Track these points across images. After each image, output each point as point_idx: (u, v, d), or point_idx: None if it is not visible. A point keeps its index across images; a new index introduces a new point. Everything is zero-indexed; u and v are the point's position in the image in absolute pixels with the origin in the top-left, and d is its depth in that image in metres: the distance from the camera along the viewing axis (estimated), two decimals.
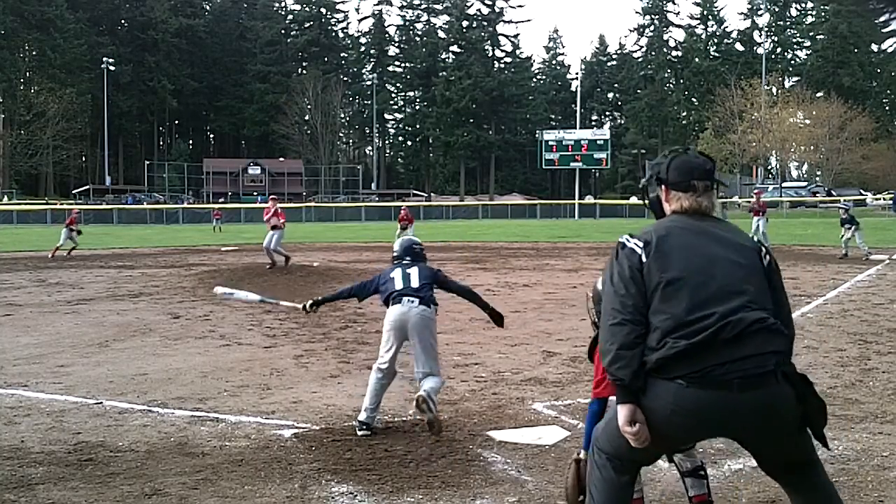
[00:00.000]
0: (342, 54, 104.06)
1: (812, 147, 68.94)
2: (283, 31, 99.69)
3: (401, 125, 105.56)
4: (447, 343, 8.37)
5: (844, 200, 30.49)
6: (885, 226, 31.91)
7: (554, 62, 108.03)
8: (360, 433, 5.09)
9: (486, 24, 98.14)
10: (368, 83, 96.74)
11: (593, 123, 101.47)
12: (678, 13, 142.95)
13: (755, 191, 23.94)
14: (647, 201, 3.14)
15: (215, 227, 38.84)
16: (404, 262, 5.65)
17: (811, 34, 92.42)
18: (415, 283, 5.44)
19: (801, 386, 2.72)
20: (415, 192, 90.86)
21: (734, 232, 2.92)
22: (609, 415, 2.92)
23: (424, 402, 4.96)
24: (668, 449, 3.16)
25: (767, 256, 2.96)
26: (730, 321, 2.60)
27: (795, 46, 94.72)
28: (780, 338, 2.71)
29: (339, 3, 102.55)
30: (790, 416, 2.74)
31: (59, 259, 21.26)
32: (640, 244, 2.77)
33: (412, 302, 5.35)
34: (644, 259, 2.73)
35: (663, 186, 2.97)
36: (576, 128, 78.56)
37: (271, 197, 21.53)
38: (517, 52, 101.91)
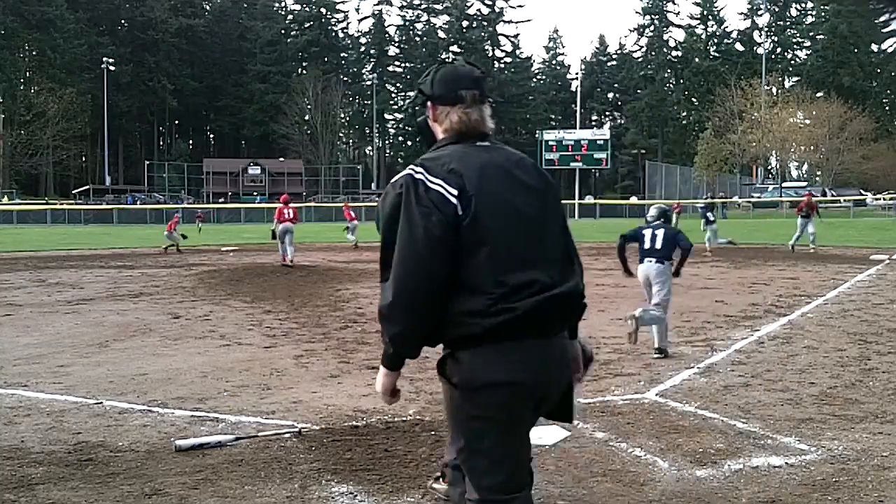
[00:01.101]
0: (342, 54, 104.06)
1: (812, 147, 68.92)
2: (283, 31, 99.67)
3: (401, 125, 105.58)
4: None
5: (705, 201, 31.61)
6: (885, 226, 31.92)
7: (554, 62, 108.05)
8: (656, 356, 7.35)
9: (486, 24, 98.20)
10: (368, 83, 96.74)
11: (593, 123, 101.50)
12: (678, 13, 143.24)
13: (805, 192, 23.89)
14: (417, 127, 2.79)
15: (199, 227, 38.16)
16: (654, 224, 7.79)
17: (811, 34, 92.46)
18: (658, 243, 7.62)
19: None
20: None
21: (525, 170, 2.59)
22: None
23: (633, 318, 7.10)
24: None
25: (555, 187, 2.69)
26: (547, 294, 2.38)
27: (795, 46, 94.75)
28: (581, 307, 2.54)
29: (339, 3, 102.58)
30: None
31: (170, 253, 23.55)
32: (454, 191, 2.35)
33: (650, 261, 7.61)
34: (460, 213, 2.34)
35: (430, 104, 2.61)
36: (576, 128, 78.65)
37: (284, 196, 20.90)
38: (517, 52, 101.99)
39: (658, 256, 7.57)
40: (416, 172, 2.41)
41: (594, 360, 2.79)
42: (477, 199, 2.35)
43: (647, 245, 7.67)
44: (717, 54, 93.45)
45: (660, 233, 7.65)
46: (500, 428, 2.40)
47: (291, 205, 19.64)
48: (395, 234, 2.35)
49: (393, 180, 2.48)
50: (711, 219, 22.05)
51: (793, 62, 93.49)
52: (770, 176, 77.51)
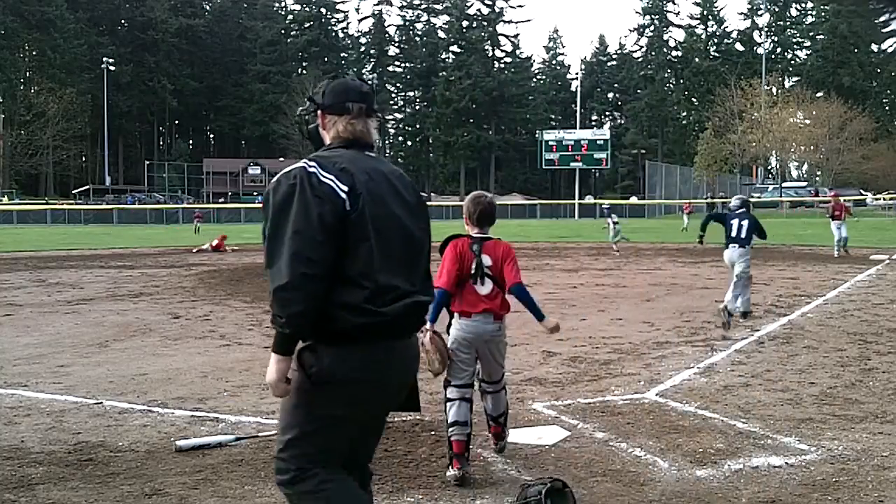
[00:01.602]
0: (342, 54, 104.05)
1: (812, 147, 68.91)
2: (283, 31, 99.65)
3: (401, 125, 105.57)
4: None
5: (609, 201, 32.65)
6: (885, 226, 31.92)
7: (554, 62, 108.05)
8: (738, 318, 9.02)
9: (486, 24, 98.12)
10: (368, 83, 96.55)
11: (593, 123, 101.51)
12: (678, 13, 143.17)
13: (832, 192, 23.83)
14: (307, 134, 2.88)
15: (197, 228, 37.41)
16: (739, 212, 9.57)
17: (811, 34, 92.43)
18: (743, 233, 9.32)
19: None
20: None
21: (403, 184, 2.73)
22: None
23: (725, 310, 8.75)
24: None
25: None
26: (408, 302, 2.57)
27: (795, 46, 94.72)
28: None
29: (339, 3, 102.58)
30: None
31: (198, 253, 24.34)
32: (344, 188, 2.49)
33: (734, 246, 9.34)
34: (348, 208, 2.48)
35: (320, 112, 2.76)
36: (576, 128, 78.65)
37: None
38: (517, 52, 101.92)
39: (741, 242, 9.40)
40: (310, 166, 2.52)
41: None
42: (364, 199, 2.51)
43: (733, 233, 9.41)
44: (717, 54, 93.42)
45: (745, 223, 9.40)
46: (344, 423, 2.56)
47: None
48: (286, 222, 2.44)
49: (285, 171, 2.56)
50: (615, 220, 23.89)
51: (793, 62, 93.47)
52: (770, 176, 77.50)
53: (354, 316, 2.45)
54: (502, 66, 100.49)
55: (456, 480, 4.20)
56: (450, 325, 4.44)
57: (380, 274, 2.50)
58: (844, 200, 23.90)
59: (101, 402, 5.94)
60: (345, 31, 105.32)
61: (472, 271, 4.38)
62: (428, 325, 4.19)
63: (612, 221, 23.67)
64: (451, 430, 4.35)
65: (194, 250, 25.27)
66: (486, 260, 4.41)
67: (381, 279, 2.50)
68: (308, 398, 2.52)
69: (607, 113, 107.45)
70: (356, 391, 2.52)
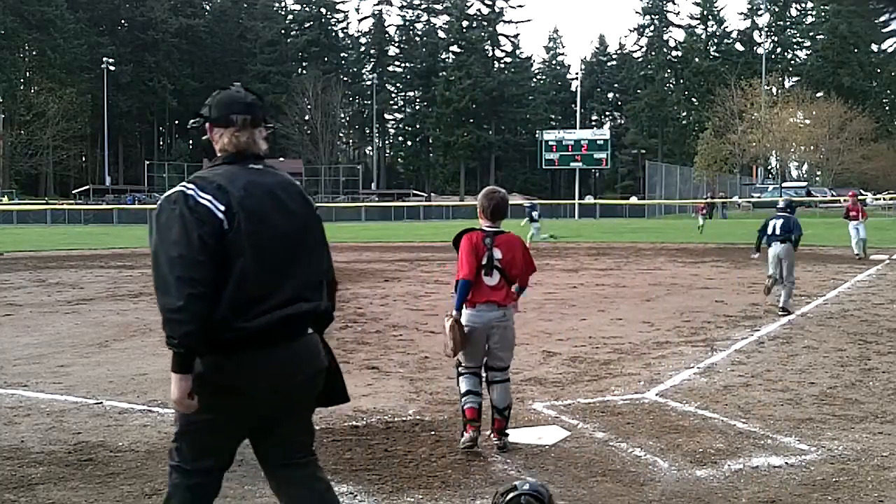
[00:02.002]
0: (342, 54, 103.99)
1: (812, 147, 68.89)
2: (283, 31, 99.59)
3: (401, 125, 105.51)
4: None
5: (531, 200, 33.30)
6: (886, 226, 31.89)
7: (554, 62, 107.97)
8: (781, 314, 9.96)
9: (486, 24, 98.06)
10: (368, 83, 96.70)
11: (593, 123, 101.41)
12: (678, 13, 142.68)
13: (850, 192, 23.73)
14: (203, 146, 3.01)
15: None
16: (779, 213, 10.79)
17: (811, 34, 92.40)
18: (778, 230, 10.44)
19: None
20: (415, 192, 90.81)
21: (292, 194, 2.81)
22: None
23: (771, 276, 10.41)
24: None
25: (316, 210, 2.95)
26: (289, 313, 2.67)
27: (795, 46, 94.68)
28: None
29: (339, 3, 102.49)
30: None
31: None
32: (221, 207, 2.59)
33: (776, 243, 10.42)
34: (226, 227, 2.58)
35: (208, 125, 2.86)
36: (576, 128, 78.52)
37: None
38: (517, 52, 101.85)
39: (780, 239, 10.44)
40: (188, 189, 2.63)
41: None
42: (240, 217, 2.59)
43: (769, 231, 10.60)
44: (717, 54, 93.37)
45: (779, 222, 10.52)
46: (223, 425, 2.70)
47: None
48: (170, 245, 2.55)
49: (166, 195, 2.69)
50: (536, 217, 24.67)
51: (793, 62, 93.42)
52: (770, 176, 77.40)
53: (223, 330, 2.56)
54: (502, 66, 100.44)
55: (470, 441, 4.64)
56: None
57: (251, 289, 2.59)
58: (844, 200, 23.85)
59: (101, 402, 5.94)
60: (345, 31, 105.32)
61: (484, 263, 4.69)
62: (453, 313, 4.70)
63: (532, 219, 24.07)
64: (464, 398, 4.74)
65: None
66: (497, 253, 4.73)
67: (252, 293, 2.60)
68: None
69: (607, 113, 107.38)
70: (231, 397, 2.63)
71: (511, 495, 3.57)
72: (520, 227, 22.27)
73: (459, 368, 4.85)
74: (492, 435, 4.81)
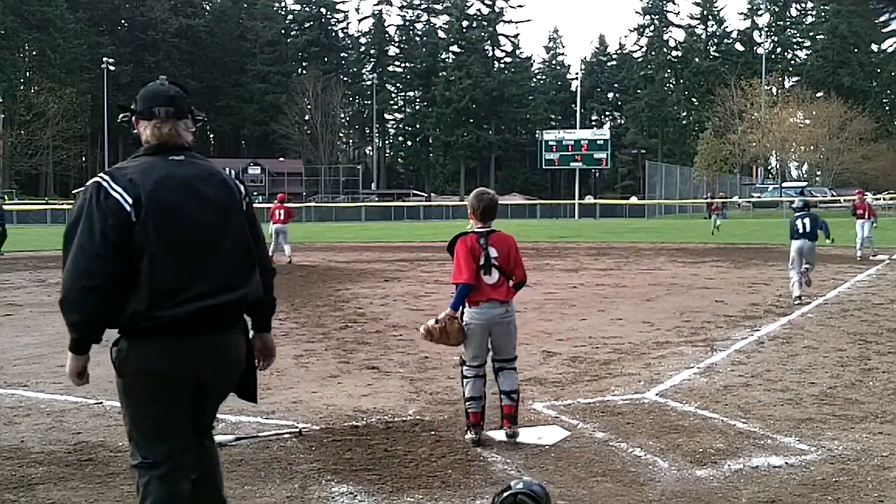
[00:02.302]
0: (342, 54, 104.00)
1: (812, 147, 68.88)
2: (283, 31, 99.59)
3: (401, 125, 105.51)
4: None
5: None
6: (886, 226, 31.89)
7: (554, 62, 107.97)
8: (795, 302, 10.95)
9: (486, 24, 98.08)
10: (368, 83, 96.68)
11: (593, 123, 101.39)
12: (678, 13, 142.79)
13: (857, 191, 23.81)
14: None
15: None
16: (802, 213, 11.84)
17: (811, 34, 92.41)
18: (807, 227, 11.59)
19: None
20: (415, 192, 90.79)
21: (214, 184, 2.89)
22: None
23: (798, 299, 11.14)
24: None
25: (246, 198, 3.02)
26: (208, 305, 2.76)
27: (795, 46, 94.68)
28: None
29: (339, 3, 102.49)
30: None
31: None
32: (130, 200, 2.69)
33: (804, 240, 11.56)
34: (133, 219, 2.68)
35: (135, 118, 2.94)
36: (576, 128, 78.50)
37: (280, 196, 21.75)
38: (517, 52, 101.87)
39: (809, 237, 11.58)
40: (103, 180, 2.74)
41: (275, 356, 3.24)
42: (149, 209, 2.69)
43: (799, 230, 11.64)
44: (717, 54, 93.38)
45: (807, 221, 11.68)
46: (155, 407, 2.80)
47: (286, 204, 20.28)
48: (76, 235, 2.69)
49: (85, 185, 2.81)
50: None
51: (793, 62, 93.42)
52: (770, 176, 77.41)
53: (139, 320, 2.71)
54: (502, 66, 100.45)
55: (473, 442, 4.84)
56: (462, 312, 4.92)
57: (165, 279, 2.71)
58: (845, 200, 23.79)
59: (101, 402, 5.94)
60: (345, 31, 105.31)
61: (482, 263, 4.85)
62: (450, 312, 4.86)
63: None
64: (467, 403, 4.95)
65: None
66: (493, 252, 4.88)
67: (168, 284, 2.71)
68: (121, 385, 2.85)
69: (607, 113, 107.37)
70: (153, 380, 2.76)
71: (505, 494, 3.58)
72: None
73: (464, 370, 4.96)
74: (502, 423, 4.97)
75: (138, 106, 2.91)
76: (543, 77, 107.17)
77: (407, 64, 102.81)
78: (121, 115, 3.00)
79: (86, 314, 2.69)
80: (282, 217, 19.51)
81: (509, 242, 4.97)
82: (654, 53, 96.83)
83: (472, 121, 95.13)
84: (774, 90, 72.92)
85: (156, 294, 2.69)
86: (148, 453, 2.82)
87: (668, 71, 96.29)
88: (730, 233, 31.29)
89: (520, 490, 3.54)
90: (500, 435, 5.00)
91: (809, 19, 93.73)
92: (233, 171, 3.02)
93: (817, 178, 76.04)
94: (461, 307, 4.89)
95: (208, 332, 2.79)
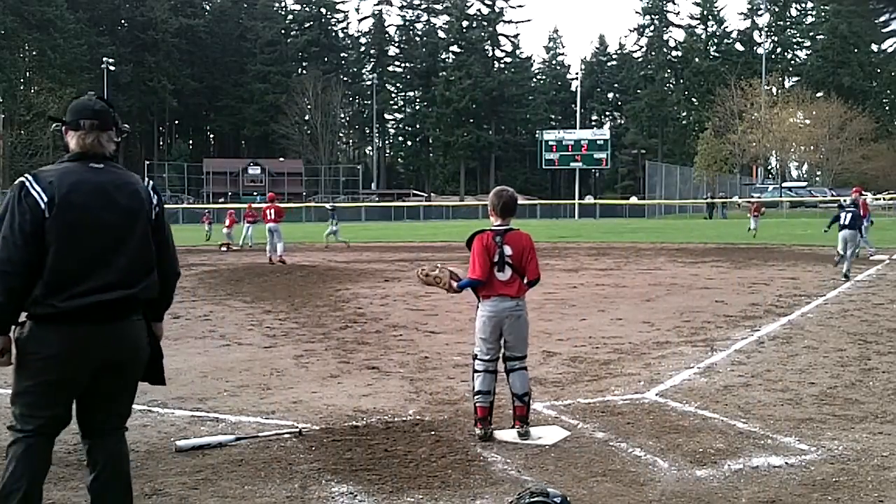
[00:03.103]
0: (342, 54, 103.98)
1: (812, 147, 68.89)
2: (283, 31, 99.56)
3: (401, 125, 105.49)
4: (447, 343, 8.38)
5: (331, 201, 35.07)
6: (886, 226, 31.89)
7: (554, 62, 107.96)
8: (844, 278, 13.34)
9: (486, 24, 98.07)
10: (368, 83, 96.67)
11: (593, 123, 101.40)
12: (678, 13, 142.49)
13: (854, 189, 23.86)
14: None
15: (207, 233, 33.51)
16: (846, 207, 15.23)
17: (811, 34, 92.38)
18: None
19: None
20: (415, 192, 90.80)
21: (126, 192, 3.20)
22: None
23: (846, 276, 14.07)
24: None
25: (157, 208, 3.31)
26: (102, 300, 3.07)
27: (795, 46, 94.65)
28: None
29: (339, 3, 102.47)
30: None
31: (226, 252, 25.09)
32: (45, 198, 3.03)
33: (847, 230, 15.04)
34: (46, 216, 3.02)
35: (65, 128, 3.29)
36: (576, 128, 78.54)
37: (271, 195, 22.36)
38: (517, 52, 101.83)
39: (849, 227, 15.00)
40: (27, 180, 3.10)
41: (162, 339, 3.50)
42: (60, 207, 3.03)
43: (843, 222, 15.14)
44: (717, 54, 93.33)
45: (848, 214, 15.18)
46: (42, 387, 3.08)
47: (277, 204, 20.60)
48: (1, 226, 3.03)
49: (13, 184, 3.14)
50: (335, 219, 27.00)
51: (793, 62, 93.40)
52: (770, 176, 77.44)
53: (39, 307, 3.04)
54: (502, 66, 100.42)
55: (481, 438, 4.93)
56: (477, 307, 5.14)
57: (64, 272, 3.04)
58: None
59: None
60: (345, 31, 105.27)
61: (496, 260, 5.02)
62: (443, 265, 5.40)
63: (333, 223, 26.58)
64: (476, 397, 5.05)
65: (223, 248, 25.76)
66: (508, 250, 5.03)
67: (67, 276, 3.04)
68: (18, 363, 3.10)
69: (607, 113, 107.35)
70: (48, 363, 3.05)
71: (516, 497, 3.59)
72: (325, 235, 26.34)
73: (476, 363, 5.10)
74: (514, 423, 5.03)
75: (68, 117, 3.28)
76: (543, 77, 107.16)
77: (407, 64, 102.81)
78: (53, 126, 3.30)
79: (4, 296, 3.00)
80: (272, 216, 19.72)
81: (524, 241, 5.09)
82: (654, 53, 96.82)
83: (472, 121, 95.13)
84: (774, 90, 72.95)
85: (52, 283, 3.02)
86: (28, 422, 3.10)
87: (668, 71, 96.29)
88: (730, 233, 31.29)
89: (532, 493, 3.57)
90: (509, 435, 5.01)
91: (809, 19, 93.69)
92: (151, 182, 3.42)
93: (817, 179, 76.05)
94: (461, 290, 5.27)
95: (102, 321, 3.09)
